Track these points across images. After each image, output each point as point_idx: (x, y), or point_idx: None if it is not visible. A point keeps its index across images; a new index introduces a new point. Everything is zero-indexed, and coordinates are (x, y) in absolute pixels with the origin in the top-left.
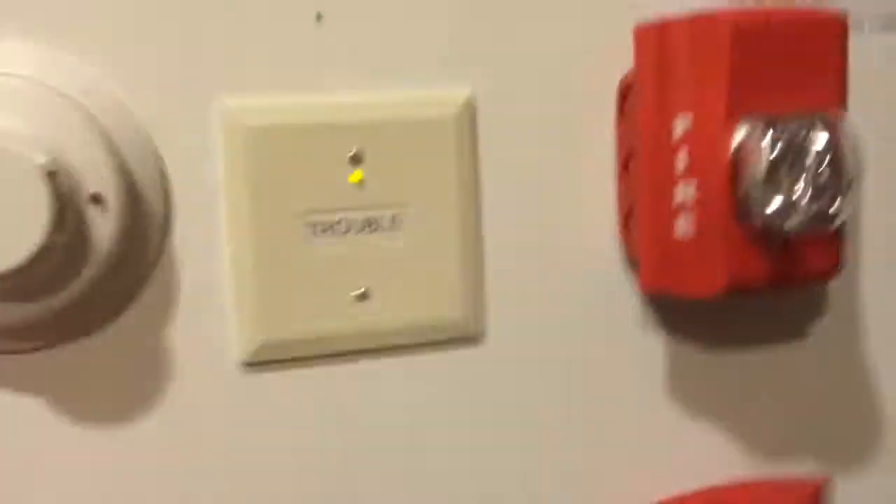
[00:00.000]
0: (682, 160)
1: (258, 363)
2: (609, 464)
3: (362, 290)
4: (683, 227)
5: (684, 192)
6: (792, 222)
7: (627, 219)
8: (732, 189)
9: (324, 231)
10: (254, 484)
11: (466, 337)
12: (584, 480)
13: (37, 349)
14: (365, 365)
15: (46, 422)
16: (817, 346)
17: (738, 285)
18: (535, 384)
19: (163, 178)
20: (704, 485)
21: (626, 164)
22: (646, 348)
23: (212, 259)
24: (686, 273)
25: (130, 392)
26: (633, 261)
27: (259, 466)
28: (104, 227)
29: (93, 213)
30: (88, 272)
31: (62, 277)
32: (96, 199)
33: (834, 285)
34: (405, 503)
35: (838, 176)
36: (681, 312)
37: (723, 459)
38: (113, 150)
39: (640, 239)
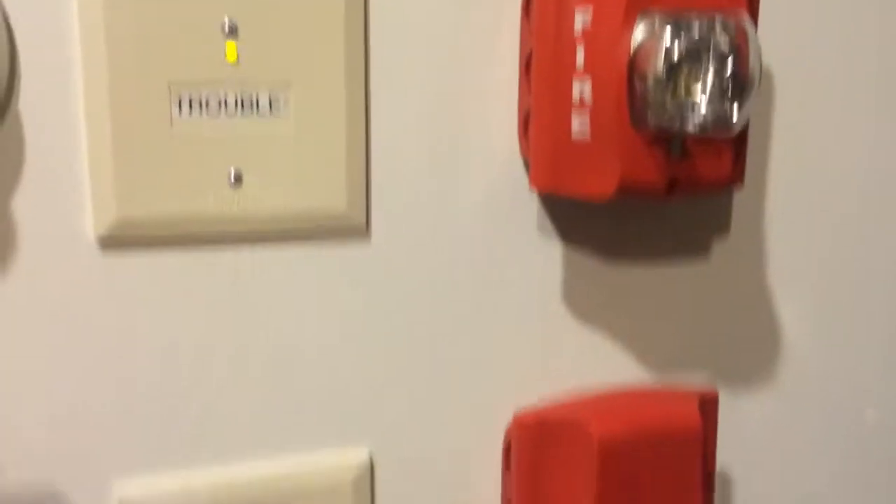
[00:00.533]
0: (580, 57)
1: (116, 240)
2: (494, 366)
3: (236, 173)
4: (578, 126)
5: (581, 90)
6: (689, 125)
7: (527, 119)
8: (630, 88)
9: (195, 107)
10: (103, 367)
11: (349, 229)
12: (469, 382)
13: None
14: (237, 252)
15: None
16: (719, 262)
17: (630, 188)
18: (421, 282)
19: (8, 31)
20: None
21: (528, 63)
22: (542, 251)
23: (67, 127)
24: (578, 173)
25: None
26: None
27: (111, 349)
28: None
29: None
30: None
31: None
32: None
33: (739, 203)
34: (269, 401)
35: (740, 79)
36: (581, 219)
37: (613, 367)
38: None
39: (533, 137)
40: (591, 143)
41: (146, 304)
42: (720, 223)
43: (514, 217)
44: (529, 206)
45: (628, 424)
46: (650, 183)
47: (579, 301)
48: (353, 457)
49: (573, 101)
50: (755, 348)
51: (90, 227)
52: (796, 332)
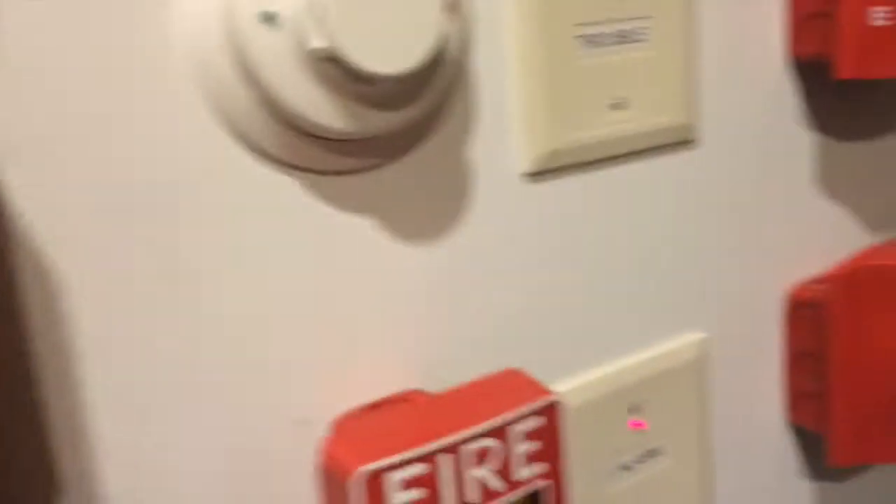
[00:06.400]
0: None
1: (541, 172)
2: (774, 246)
3: (621, 97)
4: (879, 15)
5: None
6: None
7: (803, 24)
8: None
9: (591, 43)
10: (527, 283)
11: (688, 138)
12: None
13: (377, 166)
14: (620, 168)
15: (371, 240)
16: None
17: None
18: (732, 176)
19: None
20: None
21: None
22: (799, 138)
23: (498, 78)
24: (879, 57)
25: (439, 207)
26: (801, 61)
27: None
28: (455, 33)
29: (448, 18)
30: (440, 81)
31: (422, 85)
32: (450, 6)
33: None
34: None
35: None
36: (822, 110)
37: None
38: None
39: (839, 31)
40: (889, 30)
41: (564, 223)
42: None
43: (785, 111)
44: (793, 101)
45: None
46: None
47: (826, 180)
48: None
49: None
50: None
51: (519, 162)
52: None
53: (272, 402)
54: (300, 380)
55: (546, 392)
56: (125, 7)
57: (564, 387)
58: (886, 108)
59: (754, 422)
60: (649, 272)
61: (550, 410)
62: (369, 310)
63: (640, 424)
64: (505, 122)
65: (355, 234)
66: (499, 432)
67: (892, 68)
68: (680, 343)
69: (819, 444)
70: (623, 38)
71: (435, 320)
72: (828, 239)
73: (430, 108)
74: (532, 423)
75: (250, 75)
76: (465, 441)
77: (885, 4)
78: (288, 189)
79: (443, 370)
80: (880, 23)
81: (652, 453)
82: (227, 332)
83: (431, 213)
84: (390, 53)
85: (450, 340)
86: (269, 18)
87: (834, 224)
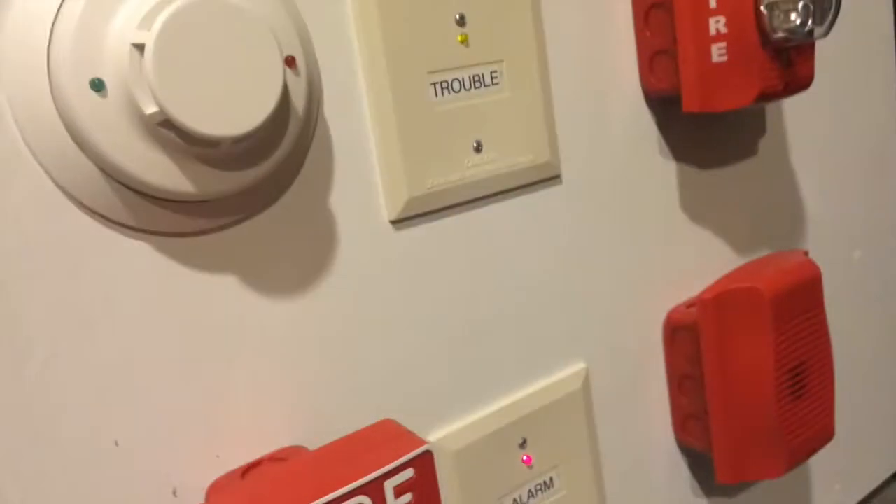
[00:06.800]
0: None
1: (404, 218)
2: (649, 273)
3: (477, 140)
4: (717, 53)
5: (716, 25)
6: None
7: (652, 61)
8: (756, 15)
9: (445, 89)
10: (401, 327)
11: (551, 175)
12: (627, 285)
13: (236, 223)
14: (482, 209)
15: (236, 297)
16: (764, 157)
17: (765, 95)
18: (597, 207)
19: (311, 46)
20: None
21: (646, 16)
22: (662, 168)
23: (355, 131)
24: (721, 91)
25: (304, 259)
26: (654, 96)
27: (403, 311)
28: (298, 88)
29: (290, 76)
30: (291, 133)
31: (273, 139)
32: (290, 63)
33: (770, 112)
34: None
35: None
36: (680, 141)
37: (724, 252)
38: (293, 15)
39: (682, 68)
40: (728, 67)
41: (435, 267)
42: (762, 126)
43: (646, 143)
44: (651, 130)
45: (778, 281)
46: (775, 87)
47: (692, 206)
48: (575, 369)
49: (711, 34)
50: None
51: (384, 209)
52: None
53: (143, 471)
54: (172, 447)
55: (418, 442)
56: None
57: (449, 429)
58: (736, 137)
59: (645, 445)
60: (527, 309)
61: (423, 460)
62: (239, 369)
63: (527, 460)
64: (367, 172)
65: (218, 293)
66: (372, 488)
67: (734, 101)
68: (564, 374)
69: (710, 463)
70: (478, 82)
71: (309, 373)
72: (701, 262)
73: (283, 162)
74: (406, 475)
75: (86, 142)
76: (337, 501)
77: (721, 40)
78: (143, 254)
79: (322, 423)
80: (720, 59)
81: (544, 486)
82: (87, 403)
83: (297, 266)
84: (229, 114)
85: (326, 392)
86: (97, 85)
87: (705, 247)
